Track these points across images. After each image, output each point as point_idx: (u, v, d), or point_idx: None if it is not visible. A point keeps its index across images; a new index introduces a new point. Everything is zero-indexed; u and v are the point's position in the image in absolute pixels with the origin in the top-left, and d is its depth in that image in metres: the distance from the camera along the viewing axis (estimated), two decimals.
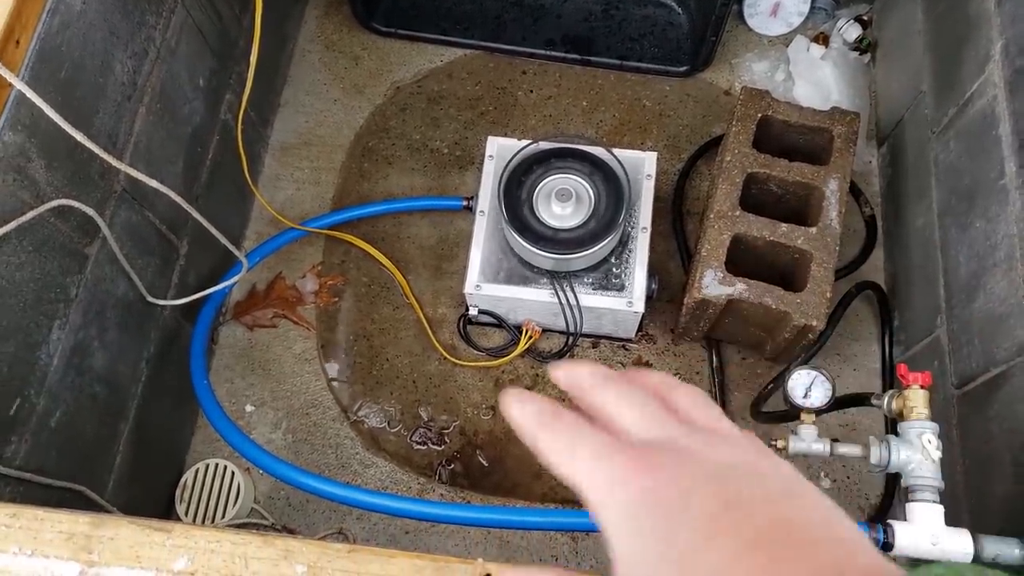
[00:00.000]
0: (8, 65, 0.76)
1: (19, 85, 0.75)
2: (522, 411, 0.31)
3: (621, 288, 1.21)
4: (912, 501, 0.81)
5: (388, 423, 1.29)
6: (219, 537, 0.60)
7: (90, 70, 0.92)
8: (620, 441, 0.29)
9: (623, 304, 1.19)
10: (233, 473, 1.22)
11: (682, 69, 1.51)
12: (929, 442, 0.80)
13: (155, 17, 1.05)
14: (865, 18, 1.51)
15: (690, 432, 0.29)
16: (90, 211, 0.90)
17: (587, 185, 1.20)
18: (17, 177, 0.81)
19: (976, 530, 0.81)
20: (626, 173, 1.19)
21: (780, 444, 0.92)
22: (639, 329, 1.31)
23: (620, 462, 0.28)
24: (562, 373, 0.33)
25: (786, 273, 1.20)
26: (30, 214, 0.82)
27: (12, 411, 0.86)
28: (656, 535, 0.26)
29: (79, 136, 0.81)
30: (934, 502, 0.81)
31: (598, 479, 0.28)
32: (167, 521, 0.61)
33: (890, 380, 1.26)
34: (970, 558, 0.78)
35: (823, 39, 1.52)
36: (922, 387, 0.83)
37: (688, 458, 0.28)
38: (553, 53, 1.53)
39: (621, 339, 1.33)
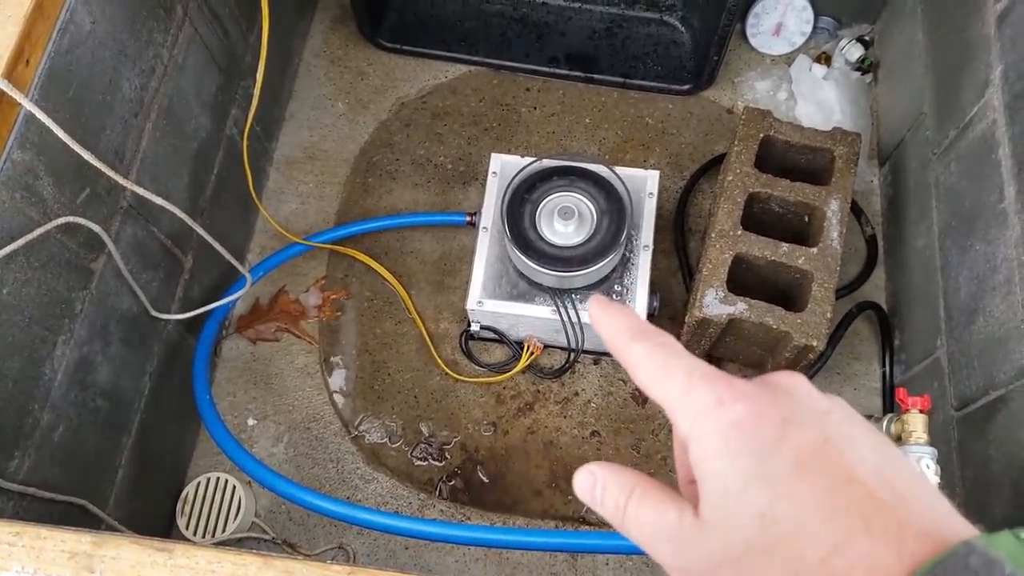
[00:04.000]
0: (18, 84, 0.77)
1: (28, 105, 0.76)
2: (609, 324, 0.31)
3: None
4: None
5: (389, 438, 1.29)
6: (220, 558, 0.61)
7: (98, 88, 0.93)
8: (717, 369, 0.29)
9: None
10: (235, 487, 1.22)
11: (685, 87, 1.52)
12: (927, 467, 0.80)
13: (163, 35, 1.06)
14: (867, 38, 1.52)
15: (779, 382, 0.29)
16: (96, 228, 0.91)
17: (590, 203, 1.20)
18: (25, 195, 0.82)
19: None
20: (628, 191, 1.20)
21: None
22: None
23: (718, 387, 0.28)
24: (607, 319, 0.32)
25: (787, 292, 1.21)
26: (38, 231, 0.83)
27: (16, 426, 0.87)
28: (750, 459, 0.26)
29: (87, 155, 0.82)
30: None
31: (694, 400, 0.28)
32: (169, 541, 0.61)
33: (890, 400, 1.27)
34: None
35: (825, 59, 1.53)
36: (921, 411, 0.84)
37: (786, 396, 0.28)
38: (557, 71, 1.54)
39: None
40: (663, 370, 0.30)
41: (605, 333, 0.31)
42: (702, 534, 0.28)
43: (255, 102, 1.16)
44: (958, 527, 0.26)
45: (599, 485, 0.31)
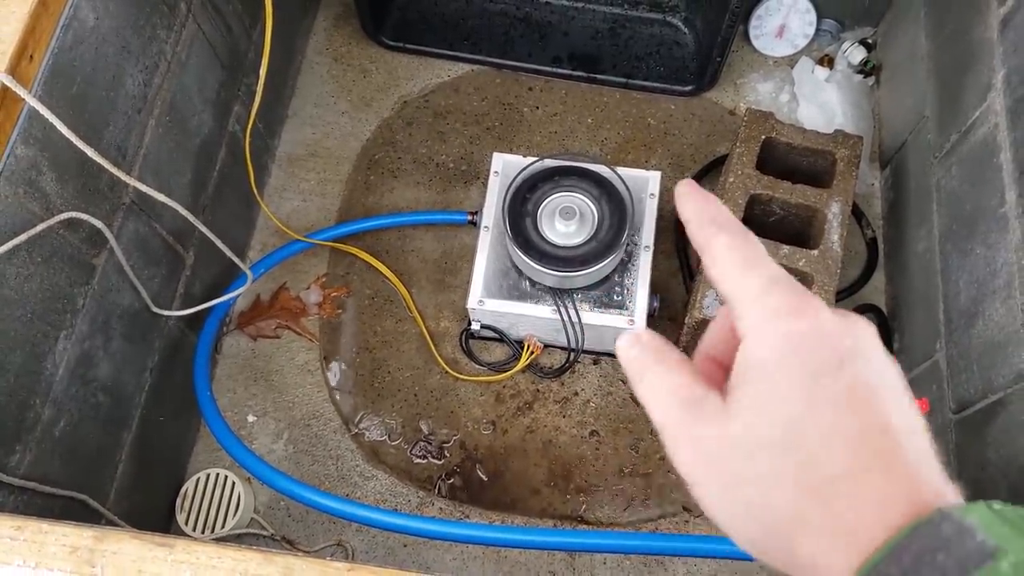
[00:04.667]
0: (21, 80, 0.77)
1: (31, 101, 0.76)
2: (697, 212, 0.32)
3: (623, 306, 1.22)
4: None
5: (389, 436, 1.30)
6: (220, 553, 0.61)
7: (102, 84, 0.93)
8: (795, 280, 0.30)
9: (624, 322, 1.20)
10: (234, 483, 1.22)
11: (687, 88, 1.52)
12: None
13: (166, 31, 1.06)
14: (870, 41, 1.52)
15: (857, 321, 0.31)
16: (99, 223, 0.91)
17: (591, 203, 1.21)
18: (28, 190, 0.83)
19: None
20: (630, 192, 1.20)
21: None
22: None
23: (799, 298, 0.29)
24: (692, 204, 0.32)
25: None
26: (40, 227, 0.83)
27: (17, 421, 0.87)
28: (801, 372, 0.28)
29: (90, 152, 0.82)
30: None
31: (771, 300, 0.29)
32: (170, 536, 0.61)
33: None
34: None
35: (828, 61, 1.53)
36: None
37: (858, 335, 0.29)
38: (559, 70, 1.54)
39: None
40: (744, 265, 0.30)
41: (691, 216, 0.32)
42: (724, 417, 0.29)
43: (258, 99, 1.17)
44: (950, 499, 0.27)
45: (639, 343, 0.32)
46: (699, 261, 1.29)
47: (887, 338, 1.29)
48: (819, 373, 0.27)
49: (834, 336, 0.28)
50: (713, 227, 0.31)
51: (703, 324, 1.15)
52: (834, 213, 1.19)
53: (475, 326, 1.28)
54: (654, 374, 0.31)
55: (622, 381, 1.32)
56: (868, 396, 0.27)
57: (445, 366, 1.33)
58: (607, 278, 1.23)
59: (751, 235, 0.31)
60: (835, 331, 0.29)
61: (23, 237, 0.81)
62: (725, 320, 0.34)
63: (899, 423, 0.27)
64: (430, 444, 1.29)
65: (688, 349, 1.27)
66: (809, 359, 0.28)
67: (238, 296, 1.31)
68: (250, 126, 1.22)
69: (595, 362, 1.33)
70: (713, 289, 1.12)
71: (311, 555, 1.13)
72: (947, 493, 0.27)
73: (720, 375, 0.32)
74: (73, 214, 0.88)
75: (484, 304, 1.21)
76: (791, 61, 1.55)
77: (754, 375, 0.28)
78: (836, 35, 1.55)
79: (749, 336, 0.29)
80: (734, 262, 0.30)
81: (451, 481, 1.27)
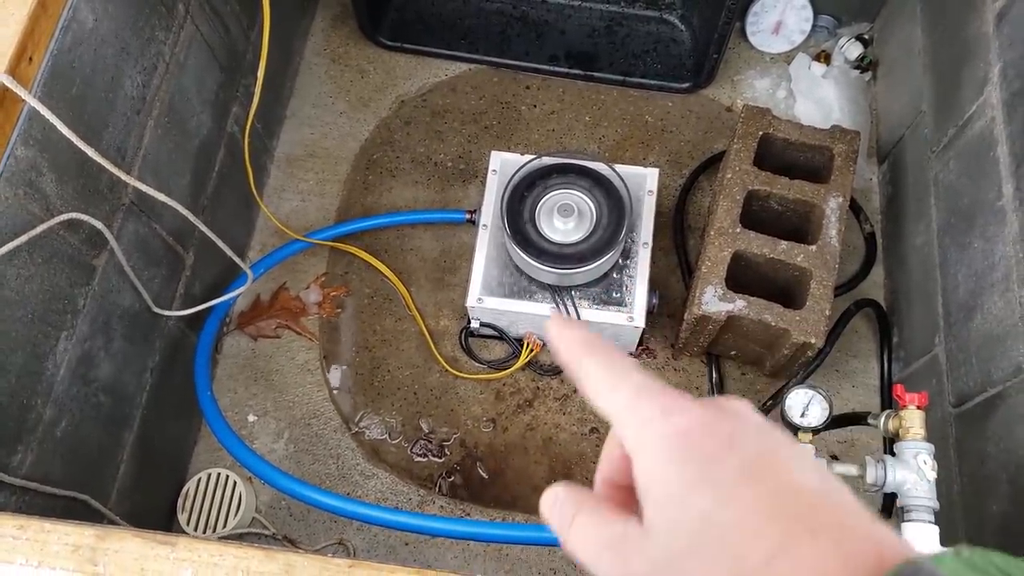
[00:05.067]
0: (21, 81, 0.78)
1: (31, 101, 0.77)
2: (565, 335, 0.32)
3: (622, 303, 1.22)
4: (908, 521, 0.82)
5: (389, 434, 1.30)
6: (222, 551, 0.61)
7: (101, 85, 0.93)
8: (668, 386, 0.30)
9: (624, 319, 1.20)
10: (235, 483, 1.23)
11: (684, 85, 1.52)
12: (924, 463, 0.81)
13: (165, 32, 1.07)
14: (866, 37, 1.52)
15: (726, 404, 0.30)
16: (99, 224, 0.92)
17: (589, 200, 1.21)
18: (28, 191, 0.83)
19: None
20: (628, 189, 1.20)
21: None
22: (640, 343, 1.32)
23: (665, 399, 0.29)
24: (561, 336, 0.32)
25: (786, 290, 1.21)
26: (41, 228, 0.83)
27: (19, 421, 0.87)
28: (695, 467, 0.27)
29: (90, 152, 0.82)
30: (929, 523, 0.81)
31: (640, 410, 0.29)
32: (171, 534, 0.62)
33: (889, 397, 1.27)
34: None
35: (825, 57, 1.53)
36: (918, 408, 0.84)
37: (733, 415, 0.29)
38: (557, 68, 1.55)
39: None
40: (610, 382, 0.30)
41: (561, 345, 0.32)
42: (646, 541, 0.28)
43: (256, 100, 1.17)
44: (902, 548, 0.26)
45: (557, 501, 0.32)
46: (698, 257, 1.29)
47: (886, 333, 1.29)
48: (710, 463, 0.27)
49: (711, 425, 0.28)
50: (580, 349, 0.32)
51: (702, 320, 1.15)
52: (832, 208, 1.19)
53: (474, 324, 1.28)
54: (578, 526, 0.31)
55: None
56: (766, 466, 0.27)
57: (445, 364, 1.33)
58: (606, 275, 1.23)
59: (617, 352, 0.32)
60: (711, 420, 0.28)
61: (23, 238, 0.81)
62: (615, 442, 0.33)
63: (808, 482, 0.27)
64: (430, 442, 1.29)
65: (687, 346, 1.28)
66: (695, 454, 0.27)
67: (238, 296, 1.31)
68: (248, 127, 1.22)
69: None
70: (712, 285, 1.13)
71: (312, 553, 1.14)
72: (888, 539, 0.26)
73: (630, 498, 0.31)
74: (73, 215, 0.88)
75: (483, 302, 1.21)
76: (788, 57, 1.56)
77: (653, 489, 0.28)
78: (832, 31, 1.55)
79: (634, 451, 0.29)
80: (602, 379, 0.31)
81: (452, 479, 1.27)
